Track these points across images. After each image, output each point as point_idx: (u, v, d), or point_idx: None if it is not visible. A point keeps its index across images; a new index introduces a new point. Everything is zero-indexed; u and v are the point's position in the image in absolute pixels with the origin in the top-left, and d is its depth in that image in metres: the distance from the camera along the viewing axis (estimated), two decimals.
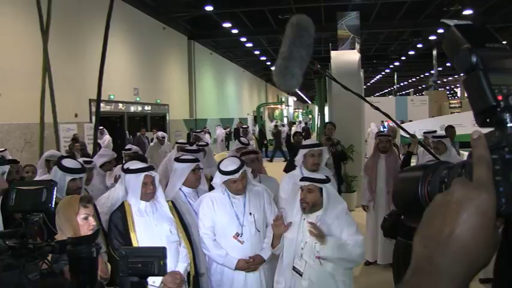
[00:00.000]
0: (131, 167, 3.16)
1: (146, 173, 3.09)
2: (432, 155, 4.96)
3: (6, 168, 2.34)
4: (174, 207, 3.30)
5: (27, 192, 1.39)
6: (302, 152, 4.03)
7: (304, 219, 3.15)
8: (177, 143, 7.05)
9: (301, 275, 3.09)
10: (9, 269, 1.23)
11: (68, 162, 3.40)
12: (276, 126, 22.46)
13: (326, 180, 3.16)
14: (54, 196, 1.38)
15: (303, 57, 4.51)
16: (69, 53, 13.67)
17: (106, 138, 13.20)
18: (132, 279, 1.53)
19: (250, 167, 4.07)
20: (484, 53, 0.69)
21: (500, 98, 0.66)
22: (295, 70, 4.35)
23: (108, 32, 7.35)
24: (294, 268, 3.13)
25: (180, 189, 3.73)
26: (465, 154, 5.72)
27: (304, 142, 4.21)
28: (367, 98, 24.22)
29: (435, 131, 6.30)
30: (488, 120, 0.68)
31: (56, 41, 11.46)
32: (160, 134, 10.41)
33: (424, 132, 6.53)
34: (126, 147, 6.44)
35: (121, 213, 3.02)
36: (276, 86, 4.23)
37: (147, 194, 3.08)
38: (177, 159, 3.83)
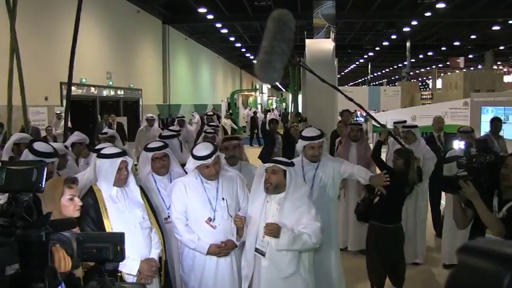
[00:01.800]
0: (106, 152, 3.12)
1: (122, 158, 3.06)
2: (400, 145, 5.09)
3: None
4: (143, 192, 3.27)
5: (17, 172, 1.37)
6: (302, 143, 3.97)
7: (267, 201, 3.24)
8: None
9: (263, 255, 3.18)
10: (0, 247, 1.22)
11: (39, 146, 3.34)
12: (255, 112, 22.45)
13: (290, 164, 3.26)
14: (44, 176, 1.37)
15: (284, 51, 4.54)
16: (39, 34, 13.28)
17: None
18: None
19: (232, 153, 4.10)
20: None
21: None
22: (277, 64, 4.39)
23: (80, 13, 7.17)
24: (256, 250, 3.21)
25: (152, 175, 3.76)
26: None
27: (304, 133, 4.12)
28: (341, 88, 24.48)
29: (405, 121, 6.42)
30: None
31: (25, 20, 11.12)
32: (149, 115, 9.99)
33: (394, 122, 6.66)
34: (102, 131, 6.32)
35: (92, 199, 2.97)
36: (257, 78, 4.24)
37: (121, 179, 3.06)
38: (144, 148, 3.90)
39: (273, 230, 3.06)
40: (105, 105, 17.35)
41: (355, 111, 22.65)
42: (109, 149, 3.20)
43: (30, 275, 1.21)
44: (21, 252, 1.22)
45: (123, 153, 3.12)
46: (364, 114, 23.11)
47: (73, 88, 14.69)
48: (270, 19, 4.18)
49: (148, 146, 3.87)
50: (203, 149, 3.35)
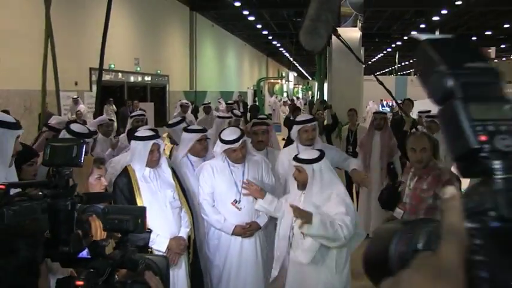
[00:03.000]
0: (140, 134, 3.31)
1: (154, 141, 3.23)
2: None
3: (21, 132, 2.48)
4: (175, 174, 3.44)
5: (60, 148, 1.53)
6: (296, 128, 4.04)
7: (303, 192, 3.20)
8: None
9: (291, 244, 3.22)
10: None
11: (76, 127, 3.55)
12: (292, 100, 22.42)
13: (314, 160, 3.15)
14: (83, 152, 1.52)
15: (329, 20, 4.59)
16: (70, 20, 13.59)
17: (81, 108, 13.00)
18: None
19: (260, 138, 4.21)
20: (464, 76, 0.52)
21: (484, 138, 0.48)
22: (322, 31, 4.44)
23: (111, 1, 7.35)
24: (289, 238, 3.24)
25: (187, 157, 3.88)
26: None
27: (298, 117, 4.27)
28: (367, 77, 24.22)
29: (429, 111, 6.43)
30: (470, 168, 0.50)
31: (57, 7, 11.39)
32: (184, 101, 9.94)
33: (419, 112, 6.69)
34: (134, 114, 6.40)
35: (126, 178, 3.17)
36: (302, 44, 4.29)
37: (153, 161, 3.23)
38: (185, 129, 4.00)
39: (303, 214, 2.98)
40: (133, 91, 17.67)
41: (381, 100, 22.47)
42: (143, 132, 3.37)
43: (57, 239, 1.35)
44: (50, 219, 1.37)
45: (155, 136, 3.29)
46: (390, 104, 22.90)
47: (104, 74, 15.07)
48: None
49: (190, 127, 4.06)
50: (231, 133, 3.50)
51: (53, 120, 5.36)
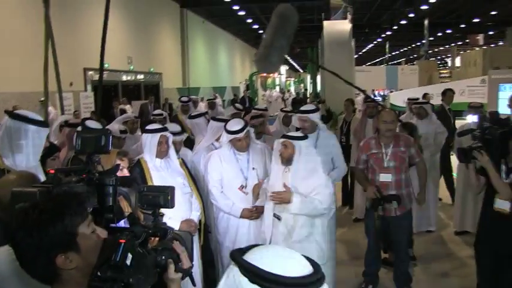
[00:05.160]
0: (149, 128, 3.58)
1: (162, 133, 3.50)
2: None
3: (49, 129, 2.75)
4: (184, 163, 3.74)
5: (90, 138, 1.78)
6: (295, 117, 4.50)
7: (286, 171, 3.50)
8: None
9: (280, 220, 3.49)
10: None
11: (91, 124, 3.80)
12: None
13: (301, 138, 3.49)
14: (111, 141, 1.77)
15: (283, 46, 4.97)
16: (63, 20, 13.61)
17: (50, 111, 12.46)
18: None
19: (259, 129, 4.61)
20: None
21: None
22: (274, 59, 4.84)
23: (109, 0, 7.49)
24: (274, 215, 3.51)
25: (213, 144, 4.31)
26: (461, 122, 6.20)
27: (301, 108, 4.68)
28: (358, 68, 24.38)
29: (418, 98, 6.73)
30: None
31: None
32: (184, 98, 9.81)
33: (408, 99, 6.98)
34: (155, 112, 6.56)
35: (139, 168, 3.45)
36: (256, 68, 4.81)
37: (162, 152, 3.50)
38: (214, 119, 4.47)
39: (284, 198, 3.38)
40: (127, 89, 17.84)
41: (373, 90, 22.77)
42: (151, 126, 3.65)
43: (104, 208, 1.60)
44: (99, 193, 1.62)
45: (163, 129, 3.56)
46: (383, 93, 23.21)
47: (96, 73, 15.17)
48: (274, 13, 4.57)
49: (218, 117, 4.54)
50: (235, 124, 3.80)
51: (59, 119, 5.61)
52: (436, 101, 13.03)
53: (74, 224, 1.34)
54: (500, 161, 3.51)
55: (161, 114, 6.00)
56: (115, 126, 4.73)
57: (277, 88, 33.39)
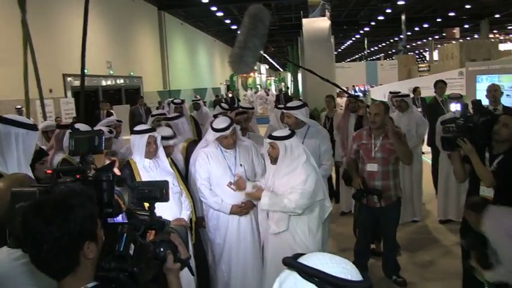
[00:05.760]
0: (137, 129, 3.60)
1: (150, 133, 3.52)
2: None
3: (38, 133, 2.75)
4: (173, 163, 3.75)
5: (83, 139, 1.81)
6: (280, 112, 4.54)
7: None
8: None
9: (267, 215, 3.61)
10: None
11: (80, 126, 3.80)
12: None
13: (285, 137, 3.51)
14: (104, 141, 1.80)
15: (257, 46, 5.07)
16: (40, 26, 13.41)
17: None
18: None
19: (244, 125, 4.63)
20: None
21: None
22: (249, 59, 4.92)
23: (88, 4, 7.42)
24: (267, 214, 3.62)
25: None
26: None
27: (288, 104, 4.72)
28: (338, 64, 24.54)
29: (399, 92, 6.84)
30: None
31: (27, 13, 11.32)
32: (176, 101, 9.63)
33: (390, 92, 7.10)
34: (155, 113, 6.46)
35: (128, 170, 3.46)
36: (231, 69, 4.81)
37: (150, 152, 3.51)
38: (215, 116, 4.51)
39: (253, 197, 3.60)
40: (107, 94, 17.69)
41: (354, 86, 23.00)
42: (139, 127, 3.66)
43: (102, 203, 1.64)
44: (97, 188, 1.66)
45: (151, 130, 3.57)
46: (363, 88, 23.45)
47: (73, 79, 15.04)
48: (246, 14, 4.63)
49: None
50: (221, 122, 3.83)
51: (41, 125, 5.57)
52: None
53: (96, 214, 1.39)
54: (484, 149, 3.61)
55: (164, 114, 5.94)
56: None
57: (259, 87, 33.44)
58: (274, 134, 3.62)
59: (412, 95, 8.17)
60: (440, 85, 7.44)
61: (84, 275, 1.37)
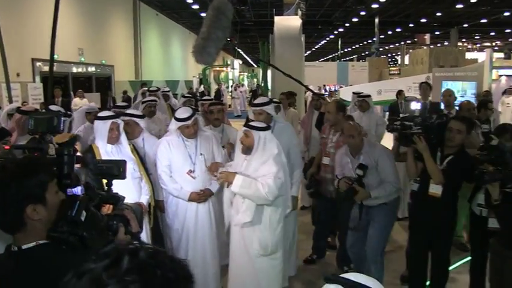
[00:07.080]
0: (100, 115, 3.69)
1: (112, 120, 3.62)
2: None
3: None
4: (135, 149, 3.88)
5: (43, 119, 1.92)
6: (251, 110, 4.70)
7: (246, 159, 3.67)
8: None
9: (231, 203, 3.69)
10: None
11: (53, 107, 3.88)
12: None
13: (262, 128, 3.60)
14: (62, 122, 1.91)
15: (220, 38, 5.20)
16: (8, 9, 13.22)
17: None
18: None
19: (216, 116, 4.74)
20: None
21: None
22: (212, 50, 5.05)
23: None
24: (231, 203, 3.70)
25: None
26: None
27: (255, 101, 4.83)
28: (311, 63, 24.82)
29: (361, 92, 7.08)
30: None
31: None
32: (152, 88, 9.35)
33: (353, 92, 7.35)
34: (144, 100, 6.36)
35: (91, 154, 3.56)
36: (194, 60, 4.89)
37: (113, 138, 3.62)
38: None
39: (226, 176, 3.53)
40: (77, 81, 17.49)
41: (324, 85, 23.33)
42: (103, 113, 3.77)
43: (62, 174, 1.76)
44: (58, 160, 1.77)
45: (114, 116, 3.67)
46: (333, 88, 23.81)
47: (45, 64, 14.79)
48: (210, 7, 4.76)
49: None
50: (184, 112, 3.96)
51: (6, 108, 5.56)
52: (385, 96, 13.63)
53: (46, 180, 1.53)
54: (436, 148, 3.86)
55: (155, 100, 5.94)
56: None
57: (231, 82, 33.52)
58: (251, 123, 3.71)
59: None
60: (424, 86, 7.53)
61: (34, 233, 1.52)
